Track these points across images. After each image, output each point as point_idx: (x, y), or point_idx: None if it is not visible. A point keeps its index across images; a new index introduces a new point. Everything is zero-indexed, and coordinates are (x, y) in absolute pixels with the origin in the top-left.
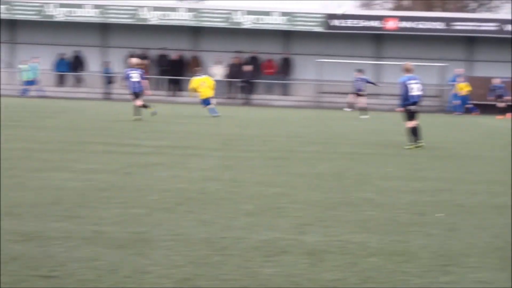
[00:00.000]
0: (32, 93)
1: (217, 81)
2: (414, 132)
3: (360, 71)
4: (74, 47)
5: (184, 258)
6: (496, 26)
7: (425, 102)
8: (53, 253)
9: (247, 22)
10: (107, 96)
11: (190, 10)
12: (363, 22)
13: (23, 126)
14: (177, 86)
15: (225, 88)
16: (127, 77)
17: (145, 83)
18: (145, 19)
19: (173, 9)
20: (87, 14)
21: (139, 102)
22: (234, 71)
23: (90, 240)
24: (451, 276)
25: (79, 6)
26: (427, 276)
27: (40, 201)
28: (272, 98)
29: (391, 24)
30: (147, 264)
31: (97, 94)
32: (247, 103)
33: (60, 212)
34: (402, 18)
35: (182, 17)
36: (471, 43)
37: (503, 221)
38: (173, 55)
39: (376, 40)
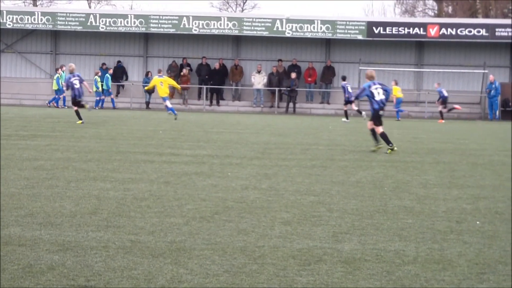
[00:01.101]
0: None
1: (258, 90)
2: (384, 137)
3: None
4: (116, 57)
5: (220, 267)
6: None
7: (466, 109)
8: (90, 263)
9: (289, 30)
10: (148, 106)
11: (232, 19)
12: (405, 29)
13: (63, 136)
14: (218, 95)
15: (265, 96)
16: (71, 85)
17: (86, 85)
18: (187, 29)
19: (215, 19)
20: (129, 24)
21: (76, 108)
22: (275, 79)
23: (127, 249)
24: (488, 284)
25: (122, 16)
26: (463, 284)
27: (78, 211)
28: (312, 106)
29: (432, 31)
30: (183, 273)
31: (138, 103)
32: (288, 111)
33: (98, 222)
34: (444, 25)
35: (224, 26)
36: None
37: None
38: (215, 64)
39: (418, 47)
